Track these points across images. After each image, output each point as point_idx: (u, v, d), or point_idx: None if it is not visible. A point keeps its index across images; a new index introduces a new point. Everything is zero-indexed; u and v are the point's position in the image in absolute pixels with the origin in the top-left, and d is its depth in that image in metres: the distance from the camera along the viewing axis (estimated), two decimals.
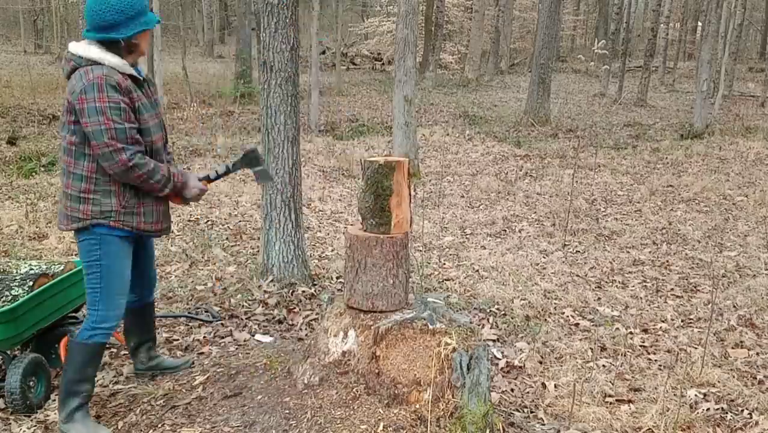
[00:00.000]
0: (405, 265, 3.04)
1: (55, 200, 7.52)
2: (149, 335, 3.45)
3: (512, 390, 3.50)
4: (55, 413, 3.05)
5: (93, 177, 2.78)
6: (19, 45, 27.44)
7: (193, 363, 3.56)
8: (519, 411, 3.27)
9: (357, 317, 3.00)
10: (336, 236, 6.39)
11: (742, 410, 3.36)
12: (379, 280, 2.96)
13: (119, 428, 2.92)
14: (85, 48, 2.76)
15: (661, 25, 24.05)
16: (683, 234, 6.67)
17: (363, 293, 2.99)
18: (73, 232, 2.89)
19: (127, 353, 3.80)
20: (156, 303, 4.59)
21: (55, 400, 3.18)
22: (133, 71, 2.83)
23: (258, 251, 5.03)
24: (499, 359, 3.85)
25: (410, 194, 3.03)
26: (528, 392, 3.50)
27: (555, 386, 3.55)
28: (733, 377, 3.69)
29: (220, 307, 4.54)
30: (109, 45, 2.76)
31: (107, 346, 3.84)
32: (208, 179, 3.14)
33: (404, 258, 3.03)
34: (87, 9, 2.76)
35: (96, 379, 3.05)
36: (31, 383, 3.12)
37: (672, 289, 5.16)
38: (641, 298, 4.94)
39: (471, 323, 3.06)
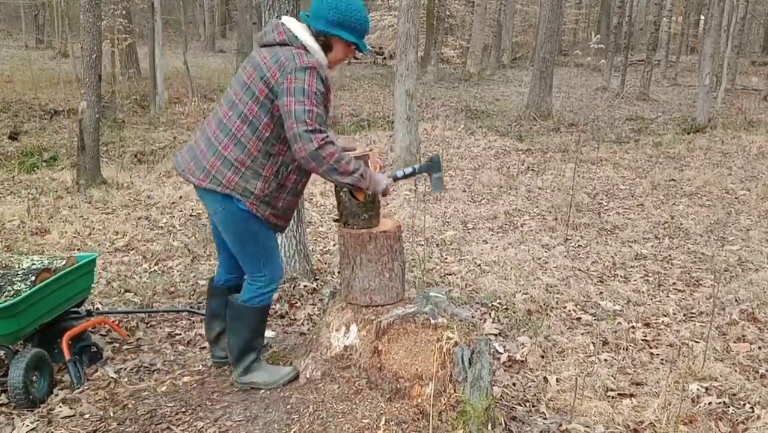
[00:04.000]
0: (400, 258, 3.04)
1: (57, 195, 7.53)
2: None
3: (514, 384, 3.51)
4: (59, 407, 3.06)
5: (255, 154, 2.76)
6: (21, 40, 27.43)
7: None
8: (521, 405, 3.28)
9: (359, 312, 3.01)
10: (337, 231, 6.39)
11: (744, 404, 3.36)
12: (375, 275, 2.97)
13: (121, 423, 2.93)
14: (301, 30, 2.77)
15: (664, 18, 23.96)
16: (685, 228, 6.66)
17: (360, 289, 3.00)
18: (200, 188, 2.84)
19: (129, 347, 3.82)
20: (158, 298, 4.61)
21: (57, 394, 3.19)
22: (327, 73, 2.82)
23: None
24: (501, 354, 3.85)
25: None
26: (530, 387, 3.50)
27: (557, 381, 3.55)
28: (735, 371, 3.69)
29: None
30: (316, 37, 2.79)
31: (110, 341, 3.87)
32: (395, 178, 3.04)
33: (399, 251, 3.03)
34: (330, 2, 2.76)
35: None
36: (34, 377, 3.12)
37: (674, 283, 5.16)
38: (643, 292, 4.93)
39: (473, 317, 3.07)
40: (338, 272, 5.04)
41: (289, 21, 2.81)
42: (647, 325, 4.35)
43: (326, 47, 2.82)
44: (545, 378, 3.59)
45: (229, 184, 2.77)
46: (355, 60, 27.42)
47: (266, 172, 2.79)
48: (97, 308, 4.12)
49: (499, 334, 4.16)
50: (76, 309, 3.66)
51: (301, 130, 2.61)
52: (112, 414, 3.01)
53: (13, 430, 2.91)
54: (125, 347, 3.82)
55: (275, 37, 2.78)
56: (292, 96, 2.63)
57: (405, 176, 3.09)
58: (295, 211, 3.09)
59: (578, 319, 4.44)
